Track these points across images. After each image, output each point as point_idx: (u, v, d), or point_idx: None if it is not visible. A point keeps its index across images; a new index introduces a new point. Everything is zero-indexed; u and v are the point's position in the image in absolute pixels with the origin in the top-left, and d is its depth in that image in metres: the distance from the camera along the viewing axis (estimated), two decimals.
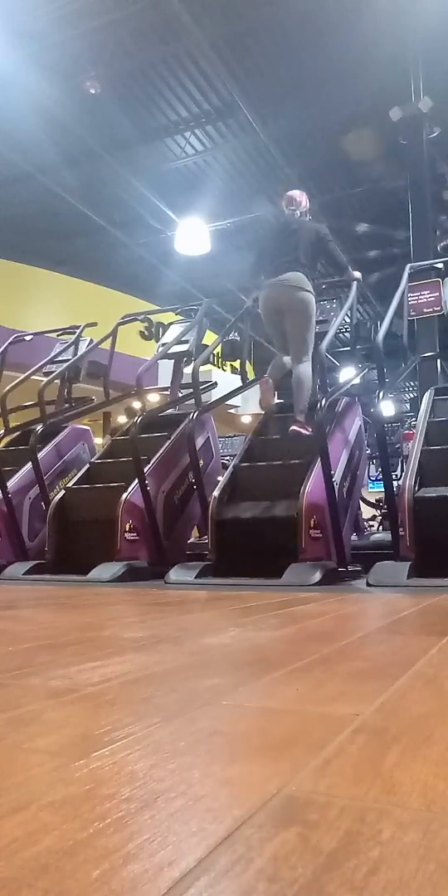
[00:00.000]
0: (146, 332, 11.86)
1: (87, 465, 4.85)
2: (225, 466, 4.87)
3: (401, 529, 3.48)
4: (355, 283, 4.59)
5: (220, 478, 4.44)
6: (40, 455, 4.83)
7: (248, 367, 5.26)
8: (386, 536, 4.22)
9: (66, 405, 5.66)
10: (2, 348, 5.99)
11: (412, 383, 13.84)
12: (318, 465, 3.75)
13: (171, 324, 5.76)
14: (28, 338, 6.40)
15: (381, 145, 8.30)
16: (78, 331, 5.83)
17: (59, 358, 5.69)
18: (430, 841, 0.48)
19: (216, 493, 4.00)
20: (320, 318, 4.75)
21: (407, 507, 3.43)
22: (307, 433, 4.01)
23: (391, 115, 8.03)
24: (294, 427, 4.07)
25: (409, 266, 4.63)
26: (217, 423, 5.34)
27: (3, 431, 5.39)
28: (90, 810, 0.53)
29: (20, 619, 2.23)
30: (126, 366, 6.08)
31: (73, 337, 5.81)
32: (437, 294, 4.87)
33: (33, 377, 5.45)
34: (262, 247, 4.55)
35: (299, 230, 4.38)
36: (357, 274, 4.70)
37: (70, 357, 5.62)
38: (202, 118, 8.96)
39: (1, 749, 0.71)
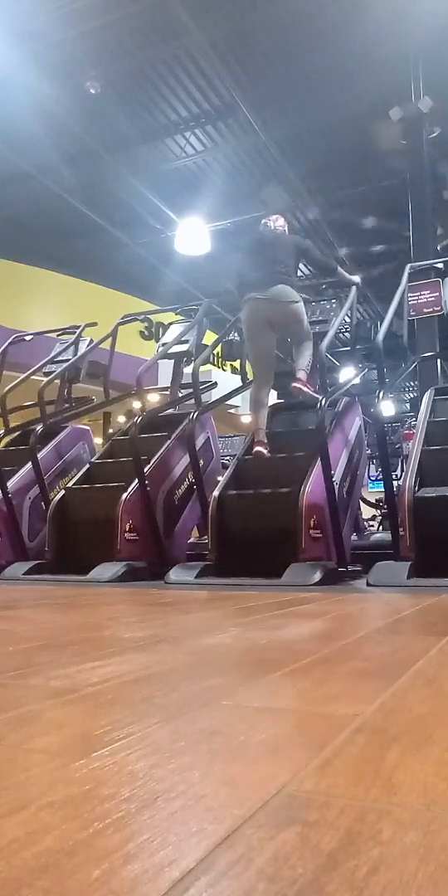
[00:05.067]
0: (146, 332, 11.86)
1: (87, 465, 4.85)
2: (225, 466, 4.87)
3: (401, 529, 3.48)
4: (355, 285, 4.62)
5: (220, 478, 4.44)
6: (40, 455, 4.83)
7: (248, 367, 5.25)
8: (386, 536, 4.22)
9: (66, 405, 5.66)
10: (2, 348, 5.99)
11: (412, 383, 13.84)
12: (318, 465, 3.75)
13: (171, 324, 5.76)
14: (28, 338, 6.40)
15: (392, 141, 8.26)
16: (78, 331, 5.83)
17: (59, 358, 5.69)
18: (430, 841, 0.48)
19: (216, 492, 4.00)
20: (320, 318, 4.75)
21: (407, 507, 3.43)
22: (309, 391, 4.03)
23: (391, 115, 8.03)
24: (295, 384, 4.09)
25: (409, 266, 4.63)
26: (217, 423, 5.34)
27: (3, 431, 5.39)
28: (90, 810, 0.53)
29: (20, 619, 2.23)
30: (126, 366, 6.08)
31: (73, 337, 5.81)
32: (437, 294, 4.87)
33: (33, 377, 5.45)
34: (241, 264, 4.49)
35: (276, 241, 4.36)
36: (356, 278, 4.71)
37: (70, 357, 5.62)
38: (202, 118, 8.95)
39: (1, 749, 0.71)
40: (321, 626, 1.85)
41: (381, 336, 3.82)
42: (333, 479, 3.70)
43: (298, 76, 8.06)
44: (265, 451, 4.06)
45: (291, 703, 0.92)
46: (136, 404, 6.10)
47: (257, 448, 4.08)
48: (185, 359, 5.19)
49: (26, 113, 8.21)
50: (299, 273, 4.43)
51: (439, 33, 7.25)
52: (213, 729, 0.77)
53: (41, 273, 10.85)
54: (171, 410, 5.03)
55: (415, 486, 3.49)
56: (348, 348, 5.04)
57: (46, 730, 0.79)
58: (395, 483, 4.35)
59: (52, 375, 5.35)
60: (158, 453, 4.46)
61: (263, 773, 0.62)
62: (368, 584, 3.16)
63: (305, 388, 4.04)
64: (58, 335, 6.33)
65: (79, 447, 5.53)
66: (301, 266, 4.56)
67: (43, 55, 7.44)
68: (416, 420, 4.79)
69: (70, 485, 4.65)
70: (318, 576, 3.31)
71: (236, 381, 5.38)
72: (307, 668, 1.15)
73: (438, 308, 4.85)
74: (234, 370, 9.30)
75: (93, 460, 4.97)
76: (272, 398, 4.90)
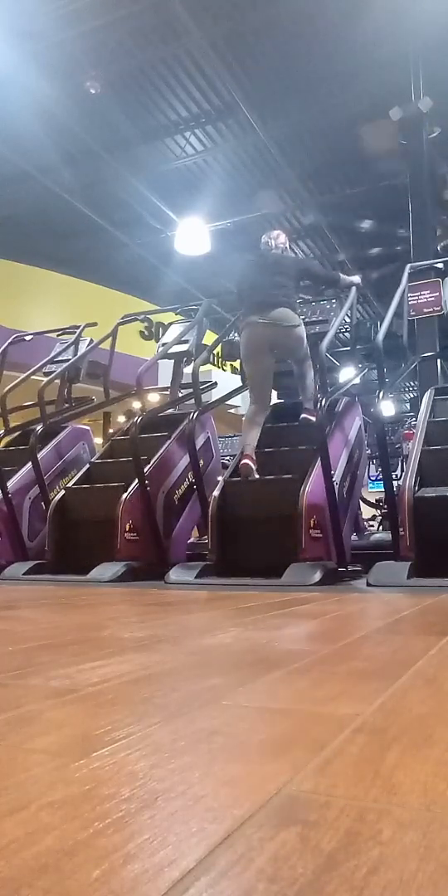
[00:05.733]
0: (146, 332, 11.86)
1: (87, 465, 4.85)
2: (225, 466, 4.87)
3: (401, 529, 3.48)
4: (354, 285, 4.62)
5: (220, 478, 4.44)
6: (40, 455, 4.83)
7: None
8: (386, 536, 4.22)
9: (66, 405, 5.66)
10: (2, 348, 5.99)
11: (412, 383, 13.84)
12: (318, 465, 3.75)
13: (171, 324, 5.76)
14: (28, 338, 6.40)
15: (390, 142, 8.26)
16: (78, 331, 5.83)
17: (59, 358, 5.69)
18: (430, 841, 0.48)
19: (216, 492, 4.00)
20: (320, 318, 4.75)
21: (407, 507, 3.42)
22: (316, 420, 4.08)
23: (391, 115, 8.03)
24: (304, 415, 4.23)
25: (409, 266, 4.63)
26: (217, 423, 5.34)
27: (3, 431, 5.39)
28: (90, 810, 0.53)
29: (20, 619, 2.23)
30: (126, 366, 6.08)
31: (73, 337, 5.81)
32: (437, 294, 4.88)
33: (33, 377, 5.45)
34: (241, 284, 4.44)
35: (278, 262, 4.32)
36: (356, 279, 4.71)
37: (70, 357, 5.62)
38: (202, 118, 8.95)
39: (1, 749, 0.71)
40: (321, 626, 1.85)
41: (381, 336, 3.82)
42: (333, 479, 3.70)
43: (298, 76, 8.05)
44: (253, 467, 3.96)
45: (291, 703, 0.92)
46: (136, 404, 6.09)
47: (245, 461, 3.97)
48: (185, 359, 5.19)
49: (26, 113, 8.20)
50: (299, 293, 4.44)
51: (439, 33, 7.25)
52: (213, 729, 0.77)
53: (41, 273, 10.85)
54: (171, 410, 5.03)
55: (415, 486, 3.49)
56: (348, 348, 5.04)
57: (46, 730, 0.79)
58: (395, 483, 4.35)
59: (52, 375, 5.35)
60: (158, 453, 4.46)
61: (263, 773, 0.62)
62: (368, 584, 3.16)
63: (313, 418, 4.10)
64: (58, 335, 6.33)
65: (79, 447, 5.53)
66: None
67: (43, 55, 7.43)
68: (416, 420, 4.79)
69: (70, 485, 4.65)
70: (318, 576, 3.31)
71: (236, 381, 5.38)
72: (307, 667, 1.15)
73: (438, 308, 4.86)
74: (234, 370, 9.32)
75: (93, 460, 4.97)
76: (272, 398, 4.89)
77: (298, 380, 4.39)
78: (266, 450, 4.19)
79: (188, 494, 4.55)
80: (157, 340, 9.15)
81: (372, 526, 7.47)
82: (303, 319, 4.35)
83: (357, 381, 4.83)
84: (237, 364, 5.40)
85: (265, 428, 4.43)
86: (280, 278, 4.20)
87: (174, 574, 3.70)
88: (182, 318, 7.06)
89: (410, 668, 1.10)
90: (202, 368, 4.83)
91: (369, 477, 10.55)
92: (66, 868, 0.44)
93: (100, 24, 7.16)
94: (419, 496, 3.44)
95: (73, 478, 4.84)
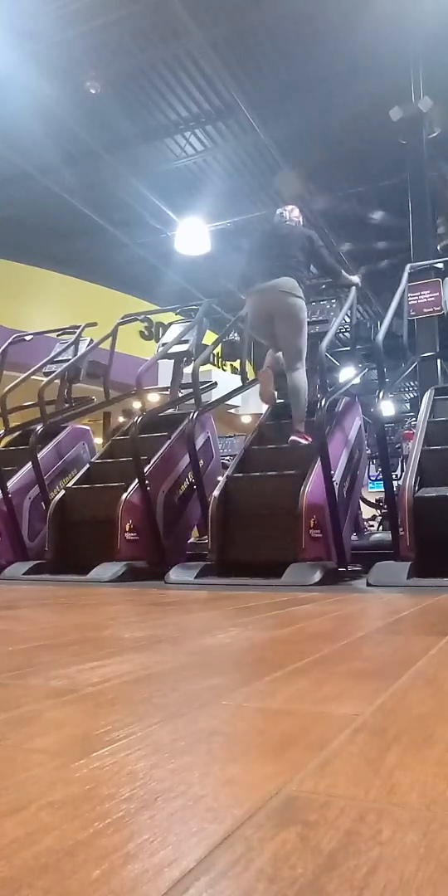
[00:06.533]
0: (146, 332, 11.86)
1: (87, 465, 4.85)
2: (225, 466, 4.87)
3: (401, 529, 3.48)
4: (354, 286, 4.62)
5: (220, 478, 4.44)
6: (40, 455, 4.83)
7: (248, 367, 5.25)
8: (386, 536, 4.22)
9: (66, 405, 5.66)
10: (2, 348, 5.99)
11: (412, 383, 13.84)
12: (318, 465, 3.75)
13: (171, 324, 5.76)
14: (28, 338, 6.40)
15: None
16: (78, 331, 5.83)
17: (59, 358, 5.69)
18: (430, 841, 0.48)
19: (216, 492, 4.00)
20: (320, 318, 4.75)
21: (407, 507, 3.42)
22: (306, 443, 3.99)
23: (391, 115, 8.03)
24: (293, 437, 4.05)
25: (409, 266, 4.63)
26: (217, 423, 5.34)
27: (3, 431, 5.39)
28: (90, 810, 0.53)
29: (20, 619, 2.23)
30: (126, 366, 6.08)
31: (73, 337, 5.81)
32: (437, 294, 4.87)
33: (33, 377, 5.45)
34: (251, 253, 4.48)
35: (289, 235, 4.33)
36: (355, 279, 4.71)
37: (70, 357, 5.62)
38: (202, 118, 8.95)
39: (1, 749, 0.71)
40: (321, 626, 1.85)
41: (381, 336, 3.82)
42: (333, 480, 3.70)
43: (298, 76, 8.06)
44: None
45: (291, 703, 0.92)
46: (136, 404, 6.09)
47: (293, 437, 4.05)
48: (185, 359, 5.19)
49: (26, 113, 8.21)
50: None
51: (439, 33, 7.25)
52: (213, 729, 0.77)
53: (41, 273, 10.85)
54: (171, 410, 5.03)
55: (415, 486, 3.49)
56: (348, 348, 5.04)
57: (46, 730, 0.79)
58: (395, 483, 4.35)
59: (52, 375, 5.35)
60: (159, 453, 4.46)
61: (263, 773, 0.62)
62: (368, 584, 3.16)
63: (303, 441, 4.00)
64: (58, 335, 6.33)
65: (79, 447, 5.53)
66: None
67: (43, 55, 7.44)
68: (416, 420, 4.79)
69: (70, 485, 4.65)
70: (317, 576, 3.31)
71: (236, 380, 5.38)
72: (307, 667, 1.15)
73: (438, 308, 4.85)
74: (234, 370, 9.31)
75: (93, 460, 4.97)
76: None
77: (291, 395, 4.16)
78: (268, 447, 4.19)
79: (188, 494, 4.55)
80: (157, 340, 9.15)
81: (372, 526, 7.47)
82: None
83: (357, 381, 4.83)
84: (237, 364, 5.41)
85: (265, 427, 4.43)
86: (290, 248, 4.21)
87: (174, 574, 3.70)
88: (182, 318, 7.06)
89: (410, 668, 1.10)
90: (202, 368, 4.83)
91: (369, 477, 10.55)
92: (66, 868, 0.44)
93: (100, 24, 7.17)
94: (419, 496, 3.44)
95: (73, 478, 4.84)
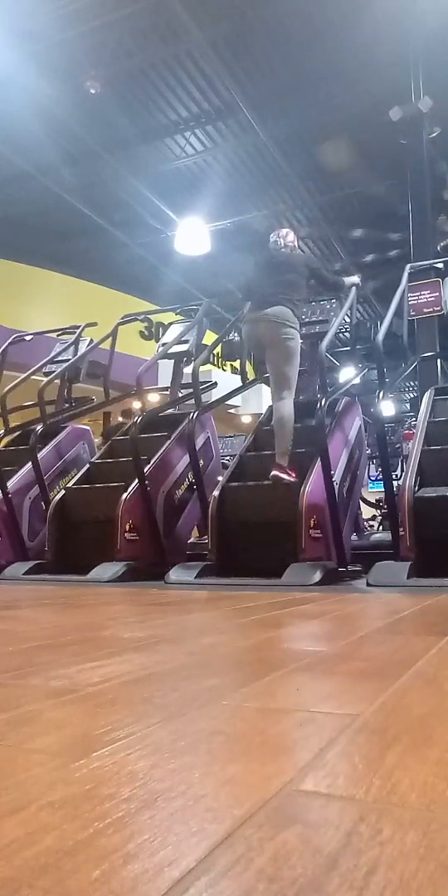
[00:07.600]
0: (146, 332, 11.86)
1: (87, 465, 4.85)
2: (225, 466, 4.87)
3: (401, 529, 3.48)
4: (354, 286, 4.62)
5: (220, 478, 4.44)
6: (40, 455, 4.83)
7: (248, 368, 5.25)
8: (386, 536, 4.22)
9: (66, 405, 5.66)
10: (2, 348, 5.99)
11: (412, 383, 13.84)
12: (318, 465, 3.75)
13: (171, 324, 5.76)
14: (28, 338, 6.40)
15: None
16: (78, 331, 5.83)
17: (59, 358, 5.69)
18: (430, 841, 0.48)
19: (216, 492, 4.00)
20: (320, 318, 4.76)
21: (407, 507, 3.43)
22: (289, 479, 3.76)
23: (391, 115, 8.03)
24: (275, 472, 3.76)
25: (408, 266, 4.63)
26: (217, 423, 5.34)
27: (3, 431, 5.39)
28: (90, 810, 0.53)
29: (20, 619, 2.23)
30: (126, 366, 6.08)
31: (73, 337, 5.81)
32: (437, 294, 4.87)
33: (33, 377, 5.45)
34: (248, 282, 4.43)
35: (285, 262, 4.27)
36: (355, 279, 4.71)
37: (70, 357, 5.62)
38: (202, 118, 8.95)
39: (1, 749, 0.71)
40: (321, 626, 1.85)
41: (381, 336, 3.82)
42: (333, 479, 3.70)
43: (298, 76, 8.05)
44: (283, 477, 3.75)
45: (291, 703, 0.92)
46: (136, 404, 6.10)
47: (274, 472, 3.78)
48: (185, 359, 5.19)
49: (26, 113, 8.20)
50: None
51: (439, 33, 7.25)
52: (213, 729, 0.77)
53: (41, 273, 10.85)
54: (171, 410, 5.03)
55: (415, 486, 3.49)
56: (348, 348, 5.03)
57: (46, 730, 0.79)
58: (395, 483, 4.35)
59: (52, 375, 5.35)
60: (159, 453, 4.46)
61: (263, 773, 0.62)
62: (368, 584, 3.16)
63: (286, 477, 3.76)
64: (58, 335, 6.33)
65: (79, 447, 5.53)
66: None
67: (43, 55, 7.43)
68: (416, 420, 4.79)
69: (70, 485, 4.65)
70: (317, 576, 3.31)
71: (236, 381, 5.38)
72: (307, 667, 1.15)
73: (438, 308, 4.85)
74: (234, 370, 9.30)
75: (93, 460, 4.97)
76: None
77: (276, 425, 3.94)
78: (265, 453, 4.18)
79: (188, 494, 4.55)
80: (157, 340, 9.15)
81: (372, 526, 7.47)
82: (303, 319, 4.33)
83: (357, 381, 4.83)
84: (237, 364, 5.41)
85: (264, 430, 4.42)
86: (289, 276, 4.16)
87: (174, 574, 3.70)
88: (182, 318, 7.06)
89: (410, 668, 1.10)
90: (202, 368, 4.83)
91: (369, 477, 10.55)
92: (66, 868, 0.44)
93: (100, 24, 7.16)
94: (419, 496, 3.44)
95: (73, 478, 4.84)
